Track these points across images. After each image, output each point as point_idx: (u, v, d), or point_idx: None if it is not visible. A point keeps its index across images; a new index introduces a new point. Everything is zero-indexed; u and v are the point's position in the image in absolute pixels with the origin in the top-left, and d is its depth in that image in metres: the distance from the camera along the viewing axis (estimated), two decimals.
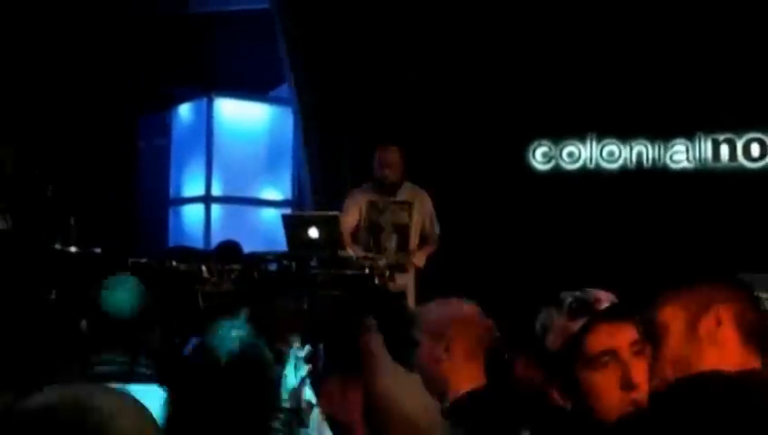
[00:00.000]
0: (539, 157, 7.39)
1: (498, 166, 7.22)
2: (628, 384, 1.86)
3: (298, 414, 2.44)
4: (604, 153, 7.29)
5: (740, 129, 7.00)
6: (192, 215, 8.12)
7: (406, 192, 5.54)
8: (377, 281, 4.69)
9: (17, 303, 4.03)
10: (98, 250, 4.76)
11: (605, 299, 2.02)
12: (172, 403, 1.97)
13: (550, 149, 7.37)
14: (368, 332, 2.60)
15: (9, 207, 4.94)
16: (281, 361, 2.47)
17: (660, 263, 6.62)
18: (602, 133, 7.29)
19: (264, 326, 2.57)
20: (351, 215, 5.53)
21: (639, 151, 7.21)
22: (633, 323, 1.90)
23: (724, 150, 7.04)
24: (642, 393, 1.84)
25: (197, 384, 2.02)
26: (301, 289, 3.91)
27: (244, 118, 8.20)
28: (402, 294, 5.05)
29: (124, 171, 8.10)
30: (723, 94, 6.86)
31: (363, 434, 2.62)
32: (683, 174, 7.11)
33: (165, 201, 8.33)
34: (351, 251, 4.94)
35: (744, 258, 6.26)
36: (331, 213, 5.15)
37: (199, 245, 7.35)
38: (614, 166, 7.28)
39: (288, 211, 7.61)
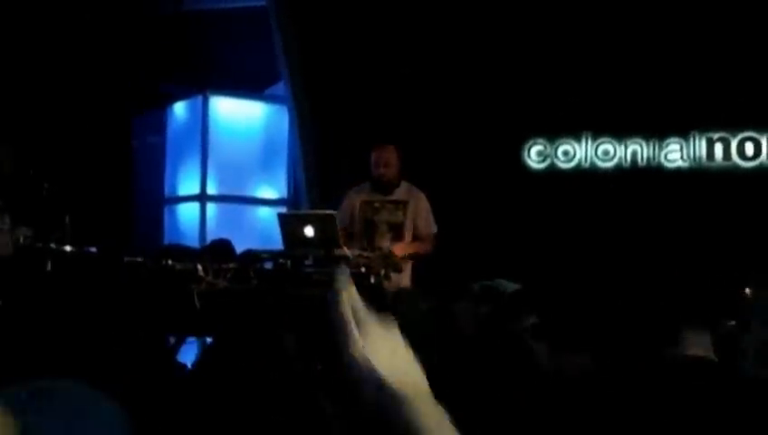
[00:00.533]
0: (534, 156, 7.40)
1: (493, 165, 7.24)
2: None
3: None
4: (599, 152, 7.31)
5: (734, 128, 7.02)
6: (187, 213, 8.10)
7: (402, 192, 5.54)
8: (372, 280, 4.70)
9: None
10: (93, 249, 4.75)
11: None
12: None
13: (545, 147, 7.38)
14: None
15: (8, 206, 4.93)
16: None
17: (655, 261, 6.65)
18: (597, 132, 7.30)
19: None
20: (347, 214, 5.53)
21: (634, 150, 7.23)
22: None
23: (719, 149, 7.06)
24: None
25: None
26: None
27: (240, 116, 8.17)
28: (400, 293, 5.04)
29: (119, 170, 8.09)
30: (717, 93, 6.88)
31: None
32: (677, 173, 7.13)
33: (160, 200, 8.31)
34: (347, 250, 4.94)
35: (739, 256, 6.29)
36: (326, 211, 5.14)
37: (195, 243, 7.33)
38: (609, 165, 7.29)
39: (284, 210, 7.61)
